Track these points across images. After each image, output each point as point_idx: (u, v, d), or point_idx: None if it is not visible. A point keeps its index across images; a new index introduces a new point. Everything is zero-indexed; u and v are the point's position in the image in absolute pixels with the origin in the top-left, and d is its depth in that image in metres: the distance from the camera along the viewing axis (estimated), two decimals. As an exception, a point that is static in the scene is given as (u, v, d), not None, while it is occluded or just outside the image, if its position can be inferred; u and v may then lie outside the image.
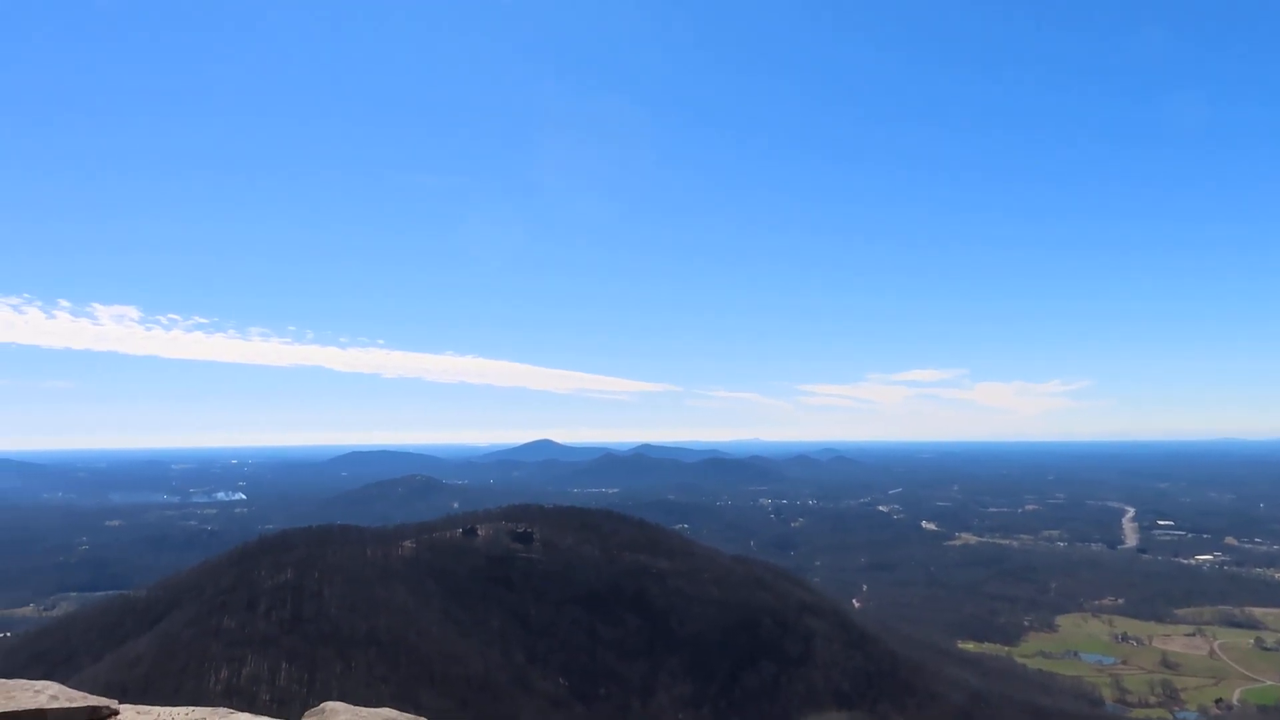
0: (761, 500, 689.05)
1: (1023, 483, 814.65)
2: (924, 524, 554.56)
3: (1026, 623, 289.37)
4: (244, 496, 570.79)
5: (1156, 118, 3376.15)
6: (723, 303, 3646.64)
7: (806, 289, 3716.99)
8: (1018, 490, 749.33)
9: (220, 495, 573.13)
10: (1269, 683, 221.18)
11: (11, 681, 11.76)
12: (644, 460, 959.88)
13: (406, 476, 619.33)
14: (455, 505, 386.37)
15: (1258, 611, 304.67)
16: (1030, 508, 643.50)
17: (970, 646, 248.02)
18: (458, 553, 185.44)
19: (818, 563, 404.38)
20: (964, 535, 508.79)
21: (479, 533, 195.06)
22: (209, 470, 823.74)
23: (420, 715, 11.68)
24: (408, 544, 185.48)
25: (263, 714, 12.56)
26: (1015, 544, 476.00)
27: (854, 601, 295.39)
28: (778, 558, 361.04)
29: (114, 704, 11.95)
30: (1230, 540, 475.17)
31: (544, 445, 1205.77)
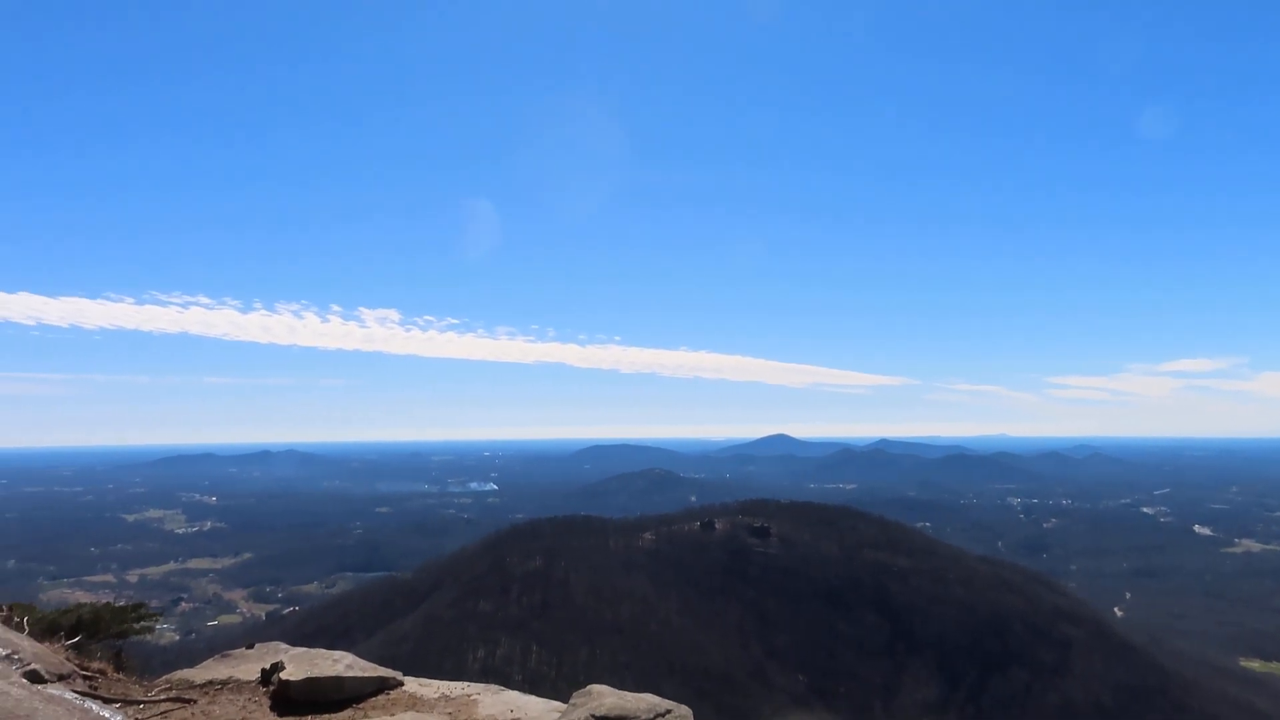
0: (1009, 499, 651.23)
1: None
2: (1196, 528, 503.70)
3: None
4: (496, 487, 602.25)
5: None
6: (964, 292, 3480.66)
7: (1056, 274, 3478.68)
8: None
9: (475, 485, 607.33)
10: None
11: (314, 650, 12.91)
12: (882, 456, 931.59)
13: (645, 470, 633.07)
14: (693, 499, 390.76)
15: None
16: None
17: (1255, 665, 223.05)
18: (696, 546, 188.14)
19: (1073, 567, 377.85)
20: (1245, 541, 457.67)
21: (716, 526, 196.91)
22: (464, 461, 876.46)
23: (681, 705, 11.78)
24: (648, 535, 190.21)
25: (525, 694, 13.01)
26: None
27: (1115, 610, 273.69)
28: (1028, 560, 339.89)
29: (399, 675, 12.81)
30: None
31: (780, 440, 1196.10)
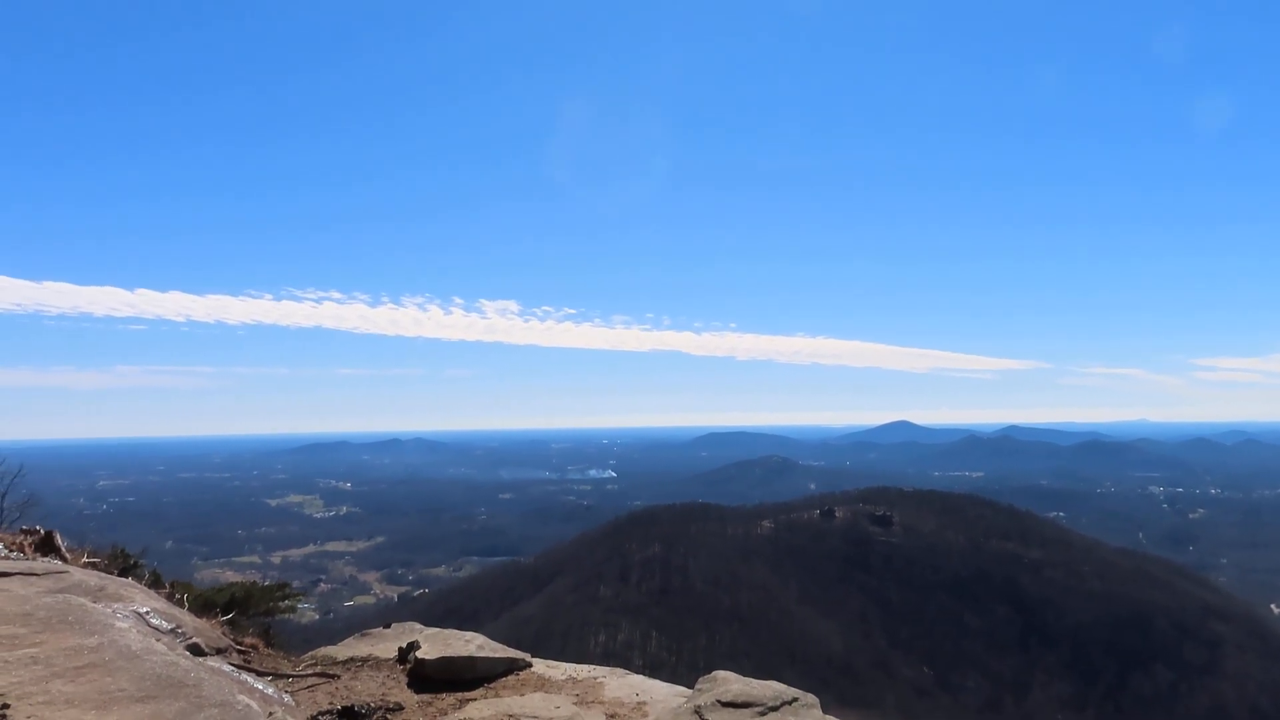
0: (1151, 488, 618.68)
1: None
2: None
3: None
4: (614, 474, 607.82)
5: None
6: (1100, 270, 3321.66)
7: (1201, 248, 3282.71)
8: None
9: (593, 473, 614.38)
10: None
11: (447, 631, 13.33)
12: (1011, 442, 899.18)
13: (763, 457, 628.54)
14: (811, 486, 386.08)
15: None
16: None
17: None
18: (815, 534, 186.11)
19: (1224, 561, 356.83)
20: None
21: (836, 514, 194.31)
22: (584, 449, 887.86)
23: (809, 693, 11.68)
24: (766, 523, 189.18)
25: (649, 678, 13.08)
26: None
27: (1272, 608, 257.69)
28: (1173, 553, 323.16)
29: (527, 657, 13.11)
30: None
31: (901, 426, 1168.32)
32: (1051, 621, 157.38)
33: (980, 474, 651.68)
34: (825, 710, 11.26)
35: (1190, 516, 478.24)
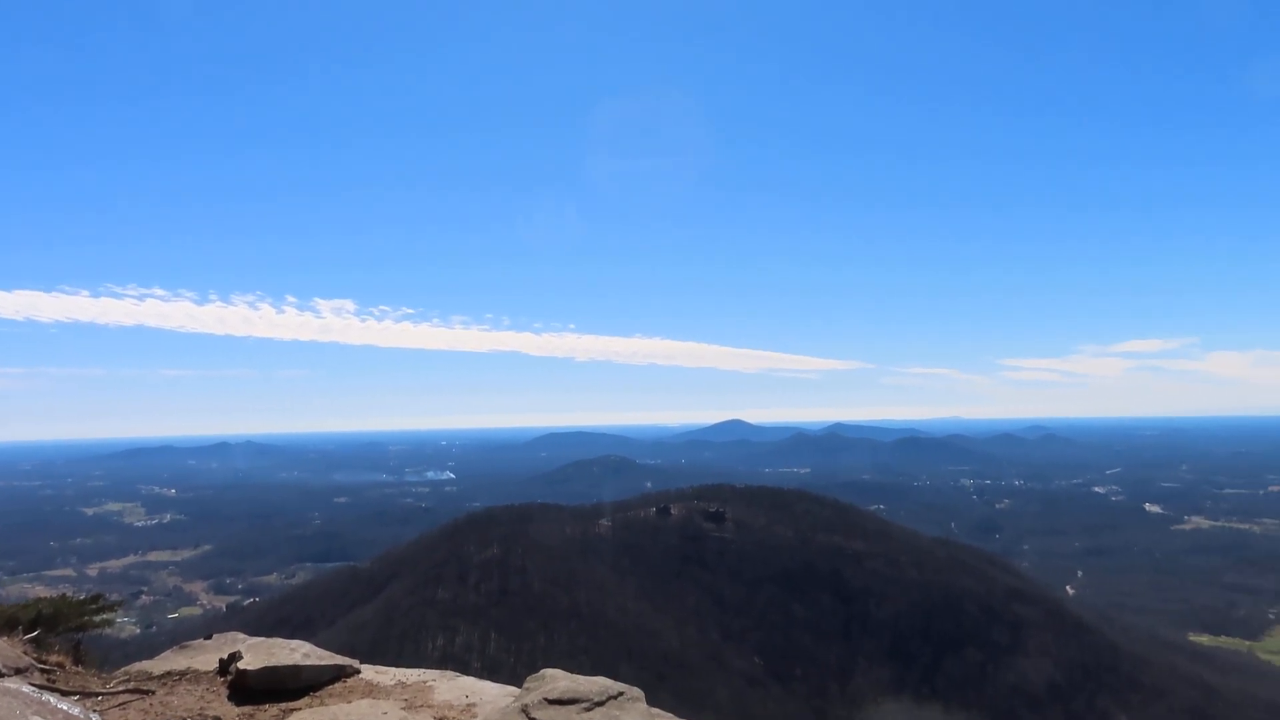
0: (963, 481, 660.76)
1: (1265, 461, 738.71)
2: (1147, 507, 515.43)
3: (1272, 616, 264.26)
4: (453, 476, 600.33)
5: None
6: (917, 276, 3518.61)
7: (1008, 257, 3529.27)
8: (1259, 470, 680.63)
9: (431, 474, 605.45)
10: None
11: (271, 640, 13.03)
12: (837, 440, 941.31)
13: (601, 457, 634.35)
14: (648, 485, 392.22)
15: None
16: (1275, 489, 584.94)
17: (1204, 640, 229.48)
18: (652, 531, 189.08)
19: (1026, 547, 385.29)
20: (1195, 519, 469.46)
21: (672, 512, 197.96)
22: (422, 451, 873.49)
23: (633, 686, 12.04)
24: (604, 522, 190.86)
25: (480, 679, 13.20)
26: (1257, 529, 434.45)
27: (1068, 589, 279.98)
28: (981, 541, 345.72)
29: (355, 663, 12.98)
30: None
31: (734, 425, 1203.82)
32: (873, 610, 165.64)
33: (808, 470, 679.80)
34: (660, 703, 11.66)
35: (997, 506, 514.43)
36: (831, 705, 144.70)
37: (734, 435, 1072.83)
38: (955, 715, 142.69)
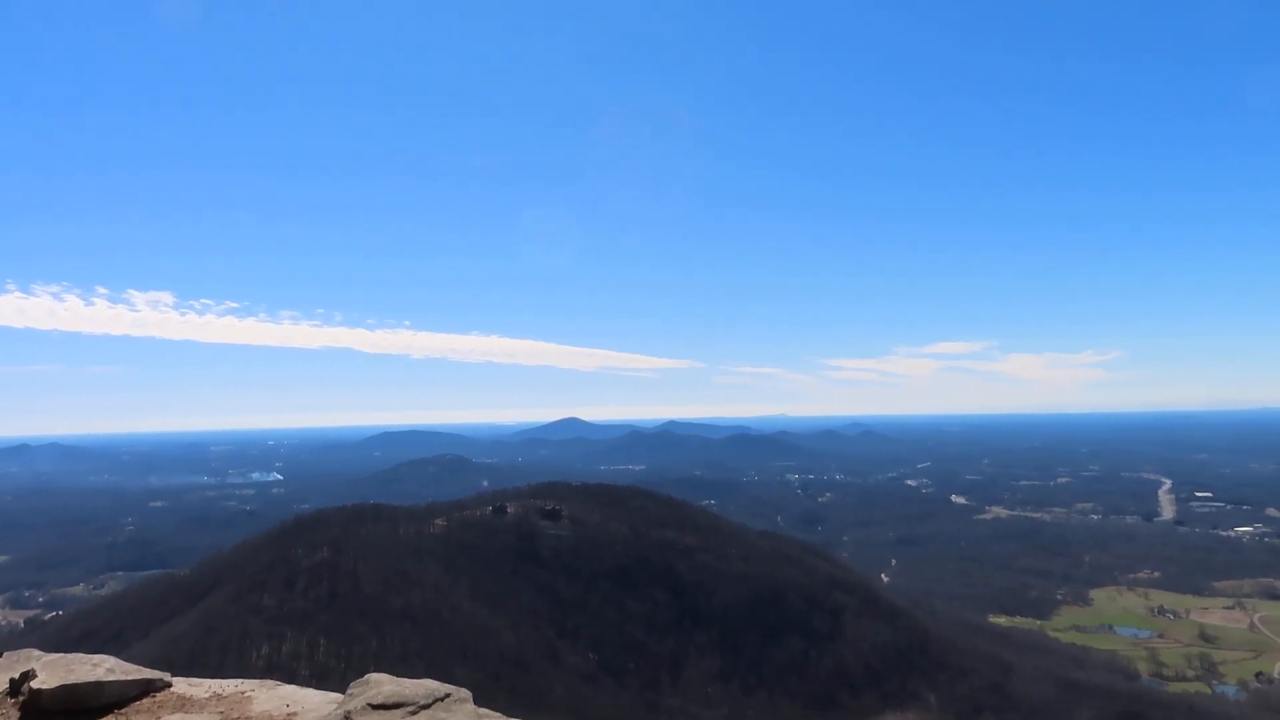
0: (788, 476, 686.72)
1: (1055, 455, 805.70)
2: (954, 498, 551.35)
3: (1060, 596, 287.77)
4: (280, 477, 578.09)
5: (1189, 91, 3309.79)
6: (747, 279, 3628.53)
7: (831, 264, 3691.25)
8: (1050, 463, 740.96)
9: (257, 476, 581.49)
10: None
11: (70, 655, 12.29)
12: (670, 437, 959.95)
13: (437, 456, 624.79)
14: (485, 483, 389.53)
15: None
16: (1063, 480, 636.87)
17: (1002, 621, 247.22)
18: (488, 530, 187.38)
19: (846, 538, 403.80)
20: (995, 509, 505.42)
21: (508, 510, 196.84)
22: (247, 452, 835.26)
23: (461, 688, 12.01)
24: (439, 522, 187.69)
25: (302, 688, 12.86)
26: (1048, 517, 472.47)
27: (883, 576, 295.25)
28: (805, 533, 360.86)
29: (166, 676, 12.42)
30: (1271, 511, 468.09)
31: (571, 423, 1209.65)
32: (703, 602, 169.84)
33: (643, 467, 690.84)
34: (494, 703, 11.70)
35: (820, 500, 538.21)
36: (664, 697, 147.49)
37: (571, 433, 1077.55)
38: (779, 701, 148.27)
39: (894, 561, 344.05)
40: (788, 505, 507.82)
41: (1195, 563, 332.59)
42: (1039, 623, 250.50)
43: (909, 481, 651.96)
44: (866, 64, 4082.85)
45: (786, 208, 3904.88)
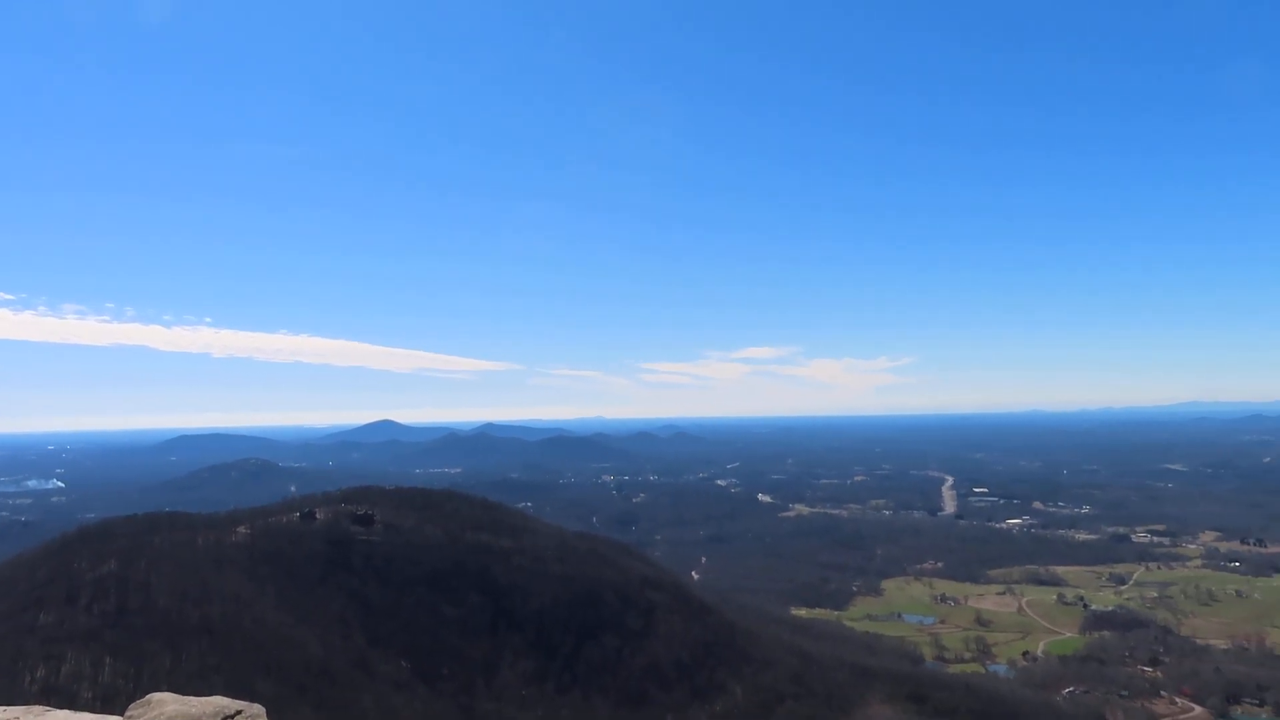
0: (604, 477, 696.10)
1: (853, 455, 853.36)
2: (760, 497, 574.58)
3: (855, 588, 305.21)
4: (62, 485, 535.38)
5: (981, 126, 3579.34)
6: (564, 282, 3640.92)
7: (648, 270, 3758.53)
8: (848, 462, 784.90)
9: (33, 484, 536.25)
10: (1068, 635, 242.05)
11: None
12: (487, 439, 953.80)
13: (240, 460, 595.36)
14: (292, 489, 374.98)
15: (1060, 570, 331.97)
16: (859, 479, 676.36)
17: (803, 613, 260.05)
18: (295, 537, 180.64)
19: (658, 537, 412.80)
20: (798, 506, 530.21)
21: (317, 516, 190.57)
22: (22, 457, 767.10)
23: (255, 703, 11.53)
24: (242, 529, 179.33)
25: (78, 712, 12.21)
26: (845, 514, 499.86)
27: (693, 574, 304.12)
28: (620, 533, 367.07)
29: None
30: (1037, 505, 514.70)
31: (385, 426, 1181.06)
32: (519, 605, 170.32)
33: (459, 470, 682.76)
34: (298, 717, 12.17)
35: (634, 501, 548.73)
36: (478, 701, 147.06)
37: (385, 436, 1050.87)
38: (594, 700, 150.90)
39: (704, 559, 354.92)
40: (603, 506, 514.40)
41: (972, 553, 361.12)
42: (836, 613, 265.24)
43: (719, 481, 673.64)
44: (673, 69, 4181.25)
45: (606, 212, 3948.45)
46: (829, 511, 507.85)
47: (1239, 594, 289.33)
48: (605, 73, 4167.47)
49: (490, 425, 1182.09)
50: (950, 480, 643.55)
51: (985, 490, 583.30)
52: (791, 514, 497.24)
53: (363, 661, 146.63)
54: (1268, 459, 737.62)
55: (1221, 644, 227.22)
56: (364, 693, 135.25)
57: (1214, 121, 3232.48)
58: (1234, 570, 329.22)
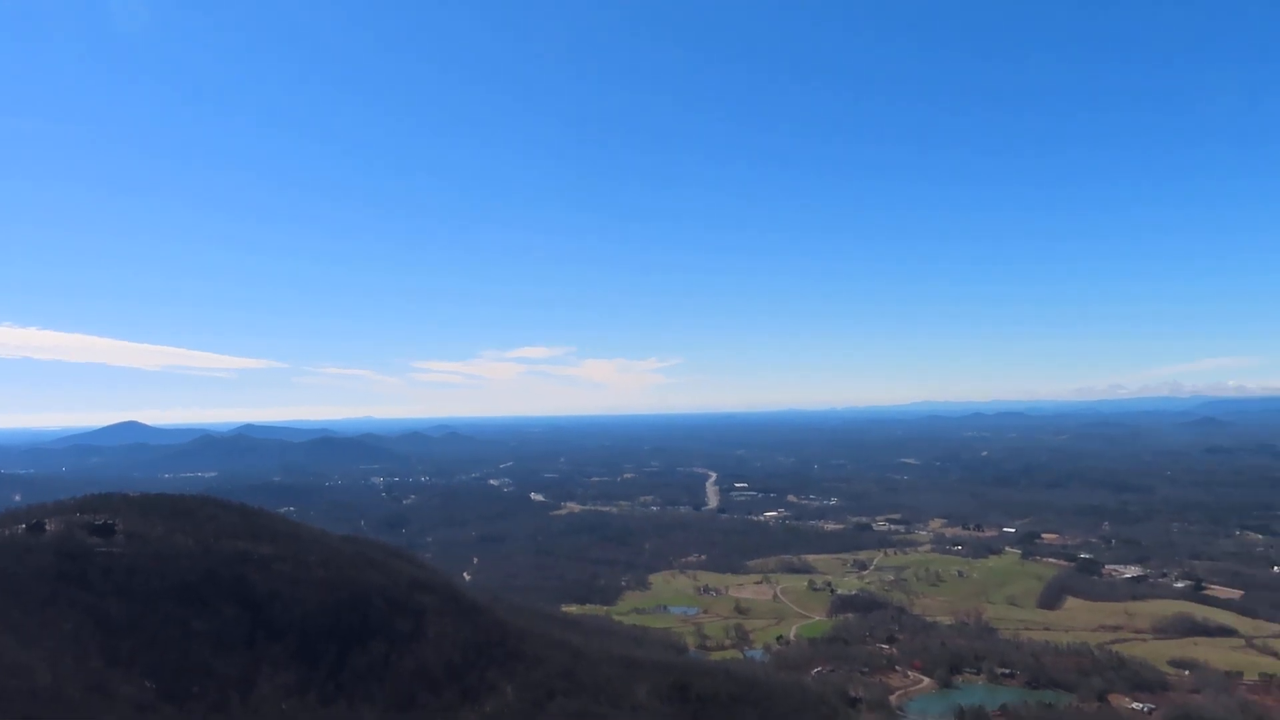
0: (373, 479, 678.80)
1: (623, 453, 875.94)
2: (533, 495, 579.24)
3: (624, 583, 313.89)
4: None
5: (742, 138, 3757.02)
6: (334, 276, 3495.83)
7: (421, 265, 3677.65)
8: (618, 460, 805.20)
9: None
10: (818, 618, 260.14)
11: None
12: (246, 441, 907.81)
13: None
14: (17, 498, 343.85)
15: (811, 558, 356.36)
16: (629, 476, 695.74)
17: (574, 609, 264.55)
18: (20, 551, 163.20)
19: (430, 538, 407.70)
20: (570, 504, 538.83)
21: (48, 527, 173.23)
22: None
23: None
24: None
25: None
26: (615, 510, 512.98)
27: (465, 575, 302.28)
28: (389, 536, 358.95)
29: None
30: (792, 498, 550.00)
31: (130, 427, 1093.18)
32: (279, 614, 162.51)
33: (215, 473, 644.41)
34: None
35: (405, 502, 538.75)
36: (232, 718, 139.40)
37: (129, 438, 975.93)
38: (359, 708, 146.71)
39: (476, 560, 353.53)
40: (372, 509, 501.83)
41: (733, 545, 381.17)
42: (606, 608, 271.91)
43: (492, 481, 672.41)
44: (452, 63, 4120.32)
45: (378, 206, 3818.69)
46: (600, 509, 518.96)
47: (961, 574, 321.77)
48: (389, 64, 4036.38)
49: (250, 426, 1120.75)
50: (714, 476, 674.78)
51: (746, 485, 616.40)
52: (563, 512, 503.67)
53: (100, 685, 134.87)
54: (985, 453, 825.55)
55: (947, 620, 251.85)
56: (102, 717, 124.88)
57: (947, 156, 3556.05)
58: (957, 553, 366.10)
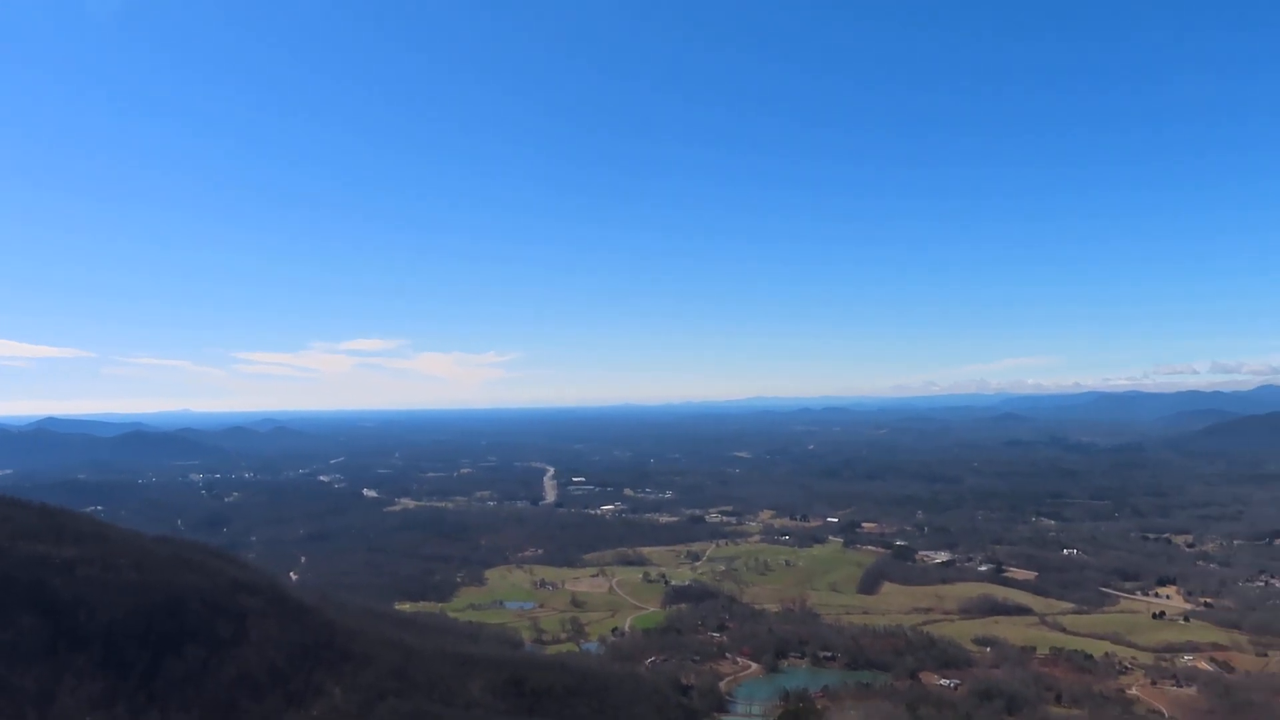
0: (192, 476, 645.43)
1: (460, 448, 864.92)
2: (365, 492, 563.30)
3: (459, 579, 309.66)
4: None
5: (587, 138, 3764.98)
6: (148, 258, 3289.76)
7: (244, 248, 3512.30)
8: (455, 455, 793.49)
9: None
10: (652, 610, 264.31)
11: None
12: (47, 436, 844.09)
13: None
14: None
15: (646, 550, 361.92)
16: (465, 471, 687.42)
17: (407, 607, 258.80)
18: None
19: (254, 538, 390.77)
20: (404, 500, 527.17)
21: None
22: None
23: None
24: None
25: None
26: (451, 506, 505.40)
27: (292, 574, 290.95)
28: (209, 536, 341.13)
29: None
30: (628, 491, 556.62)
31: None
32: (84, 621, 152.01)
33: (9, 471, 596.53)
34: None
35: (226, 500, 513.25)
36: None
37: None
38: (174, 717, 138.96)
39: (304, 558, 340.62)
40: (191, 507, 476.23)
41: (570, 539, 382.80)
42: (441, 605, 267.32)
43: (322, 477, 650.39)
44: (313, 55, 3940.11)
45: (201, 180, 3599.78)
46: (435, 504, 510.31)
47: (788, 564, 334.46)
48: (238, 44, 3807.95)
49: (51, 420, 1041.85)
50: (552, 470, 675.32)
51: (583, 479, 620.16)
52: (397, 508, 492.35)
53: None
54: (811, 446, 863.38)
55: (774, 608, 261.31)
56: None
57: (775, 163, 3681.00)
58: (785, 543, 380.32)
